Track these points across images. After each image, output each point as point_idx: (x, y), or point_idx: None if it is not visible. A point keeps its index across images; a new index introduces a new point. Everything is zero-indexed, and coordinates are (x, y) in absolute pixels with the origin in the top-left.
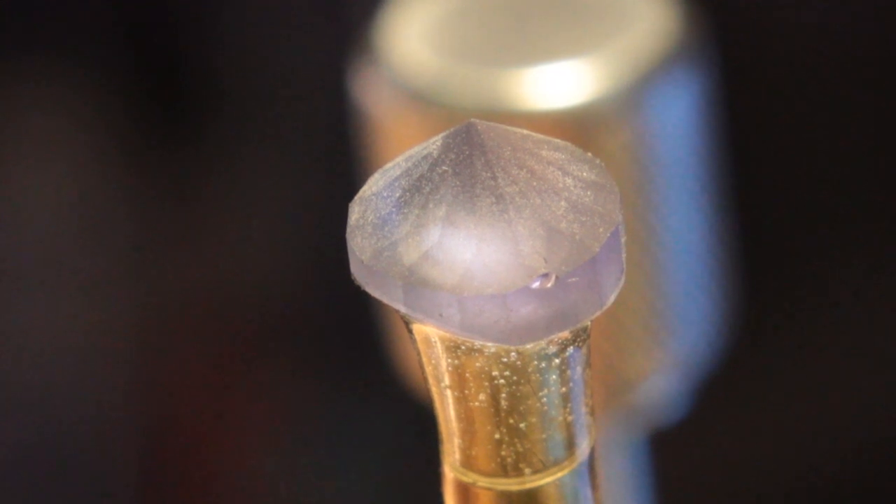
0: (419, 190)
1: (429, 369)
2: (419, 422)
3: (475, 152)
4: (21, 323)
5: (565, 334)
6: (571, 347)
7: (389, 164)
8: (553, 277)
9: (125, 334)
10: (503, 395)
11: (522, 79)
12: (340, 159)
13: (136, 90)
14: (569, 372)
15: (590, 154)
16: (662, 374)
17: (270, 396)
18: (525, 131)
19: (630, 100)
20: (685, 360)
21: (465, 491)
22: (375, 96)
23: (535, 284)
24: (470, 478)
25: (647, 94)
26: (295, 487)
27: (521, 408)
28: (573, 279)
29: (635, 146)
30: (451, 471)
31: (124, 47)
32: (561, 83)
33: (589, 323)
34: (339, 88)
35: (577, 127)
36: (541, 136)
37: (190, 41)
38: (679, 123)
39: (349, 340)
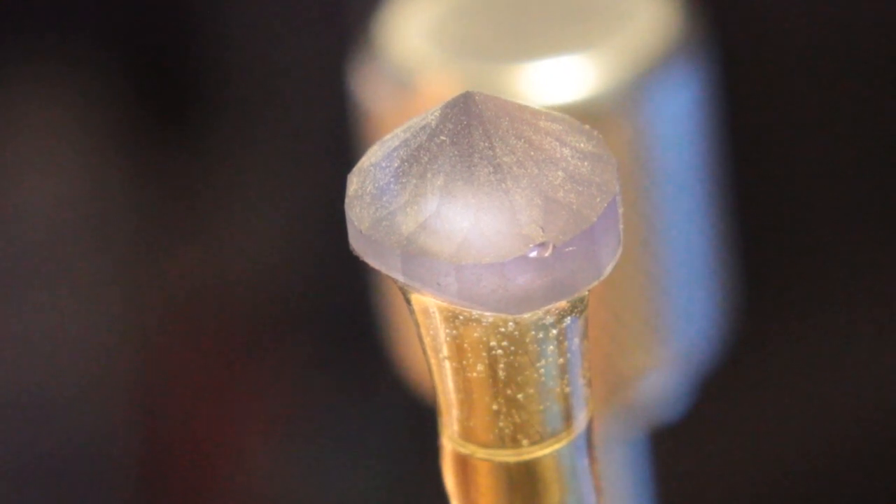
0: (417, 160)
1: (427, 340)
2: (419, 420)
3: (473, 122)
4: (21, 323)
5: (563, 304)
6: (569, 318)
7: (388, 136)
8: (550, 247)
9: (125, 334)
10: (501, 365)
11: (523, 74)
12: (340, 156)
13: (135, 88)
14: (566, 343)
15: (587, 126)
16: (662, 371)
17: (271, 395)
18: (522, 103)
19: (631, 96)
20: (685, 357)
21: (463, 462)
22: (375, 92)
23: (533, 254)
24: (468, 449)
25: (647, 89)
26: (295, 486)
27: (519, 378)
28: (570, 248)
29: (635, 142)
30: (449, 442)
31: (124, 46)
32: (561, 79)
33: (586, 293)
34: (339, 85)
35: None
36: (538, 108)
37: (190, 39)
38: (679, 119)
39: (350, 339)
